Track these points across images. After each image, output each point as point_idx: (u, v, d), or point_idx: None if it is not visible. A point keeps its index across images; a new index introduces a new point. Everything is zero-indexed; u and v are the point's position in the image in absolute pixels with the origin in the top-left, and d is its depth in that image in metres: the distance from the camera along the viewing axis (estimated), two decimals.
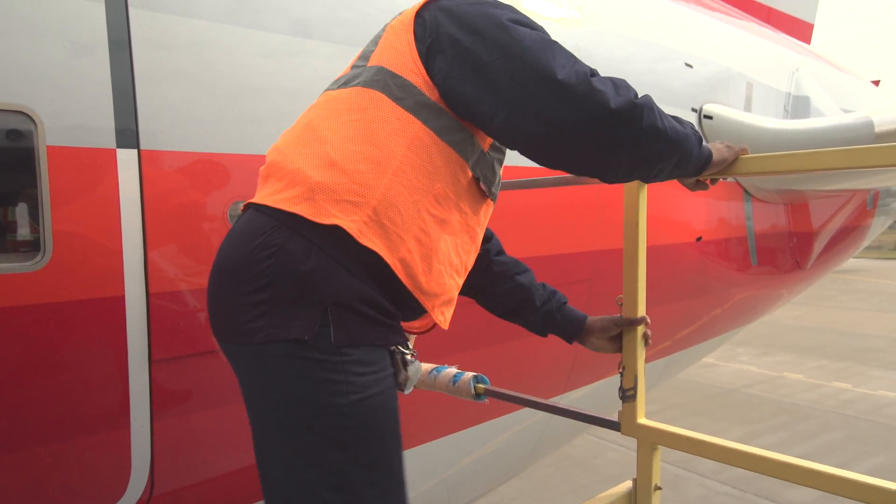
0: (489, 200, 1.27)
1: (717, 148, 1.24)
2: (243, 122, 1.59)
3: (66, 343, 1.34)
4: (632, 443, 1.44)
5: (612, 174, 1.15)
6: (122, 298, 1.39)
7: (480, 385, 1.59)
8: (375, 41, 1.25)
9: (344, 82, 1.21)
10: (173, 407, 1.50)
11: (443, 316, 1.21)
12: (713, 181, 1.32)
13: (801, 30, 5.13)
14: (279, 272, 1.03)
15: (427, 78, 1.14)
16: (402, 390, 1.17)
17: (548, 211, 2.25)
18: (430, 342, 1.87)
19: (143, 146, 1.43)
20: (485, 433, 2.32)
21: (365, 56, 1.24)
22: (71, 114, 1.34)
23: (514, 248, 2.15)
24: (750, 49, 3.75)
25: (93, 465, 1.42)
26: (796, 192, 3.60)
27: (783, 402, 6.65)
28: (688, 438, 1.33)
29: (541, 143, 1.10)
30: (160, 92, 1.47)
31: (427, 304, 1.15)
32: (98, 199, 1.37)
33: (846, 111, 3.89)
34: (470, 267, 1.27)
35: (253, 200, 1.16)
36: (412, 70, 1.15)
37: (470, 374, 1.61)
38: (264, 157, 1.61)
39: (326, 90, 1.26)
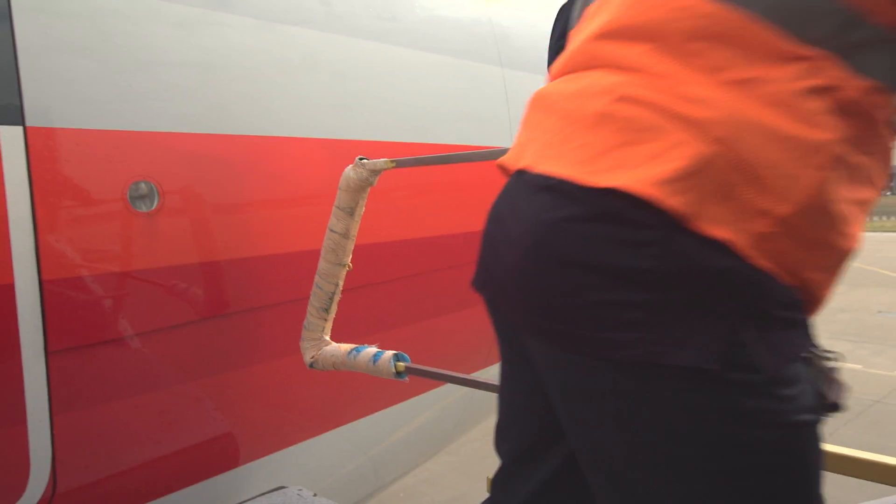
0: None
1: None
2: (149, 98, 1.51)
3: None
4: None
5: None
6: (12, 287, 1.29)
7: (401, 363, 1.59)
8: None
9: None
10: (75, 400, 1.42)
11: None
12: None
13: None
14: (670, 269, 0.70)
15: None
16: (837, 410, 0.81)
17: (467, 187, 2.26)
18: (350, 323, 1.85)
19: (29, 123, 1.33)
20: (409, 410, 2.34)
21: None
22: None
23: (437, 225, 2.16)
24: None
25: None
26: None
27: None
28: None
29: None
30: (51, 64, 1.36)
31: (810, 313, 0.78)
32: None
33: None
34: None
35: (560, 174, 0.76)
36: None
37: (390, 352, 1.61)
38: (173, 133, 1.56)
39: None
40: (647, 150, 0.72)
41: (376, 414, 2.21)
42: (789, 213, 0.69)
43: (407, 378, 1.61)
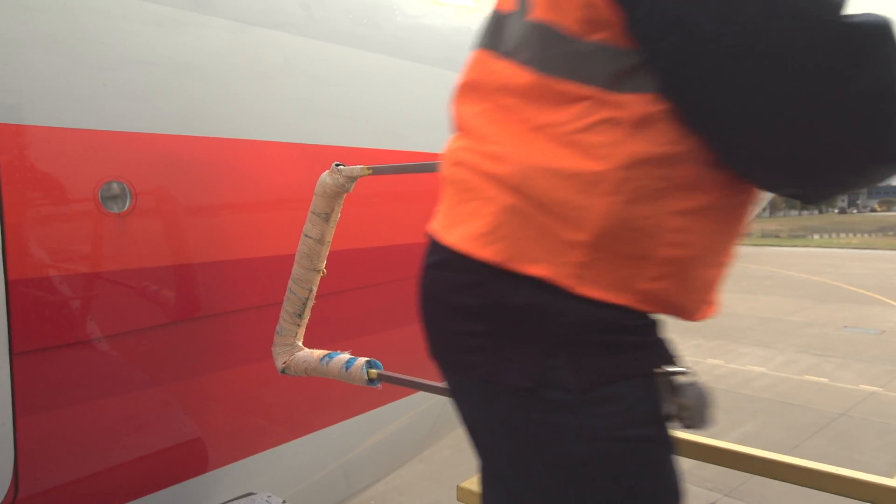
0: None
1: None
2: (124, 97, 1.49)
3: None
4: None
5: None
6: None
7: (373, 370, 1.58)
8: None
9: (510, 50, 0.87)
10: (40, 402, 1.39)
11: (711, 310, 0.94)
12: None
13: None
14: (489, 305, 0.85)
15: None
16: (693, 425, 0.85)
17: (423, 197, 2.26)
18: (323, 329, 1.84)
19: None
20: (382, 417, 2.33)
21: None
22: None
23: (395, 235, 2.16)
24: None
25: None
26: None
27: None
28: None
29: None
30: (22, 60, 1.34)
31: (686, 318, 0.90)
32: None
33: None
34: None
35: (431, 229, 0.97)
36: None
37: (363, 359, 1.60)
38: (148, 134, 1.54)
39: (482, 48, 0.94)
40: (470, 208, 0.87)
41: (348, 421, 2.20)
42: (591, 239, 0.79)
43: (380, 385, 1.60)
